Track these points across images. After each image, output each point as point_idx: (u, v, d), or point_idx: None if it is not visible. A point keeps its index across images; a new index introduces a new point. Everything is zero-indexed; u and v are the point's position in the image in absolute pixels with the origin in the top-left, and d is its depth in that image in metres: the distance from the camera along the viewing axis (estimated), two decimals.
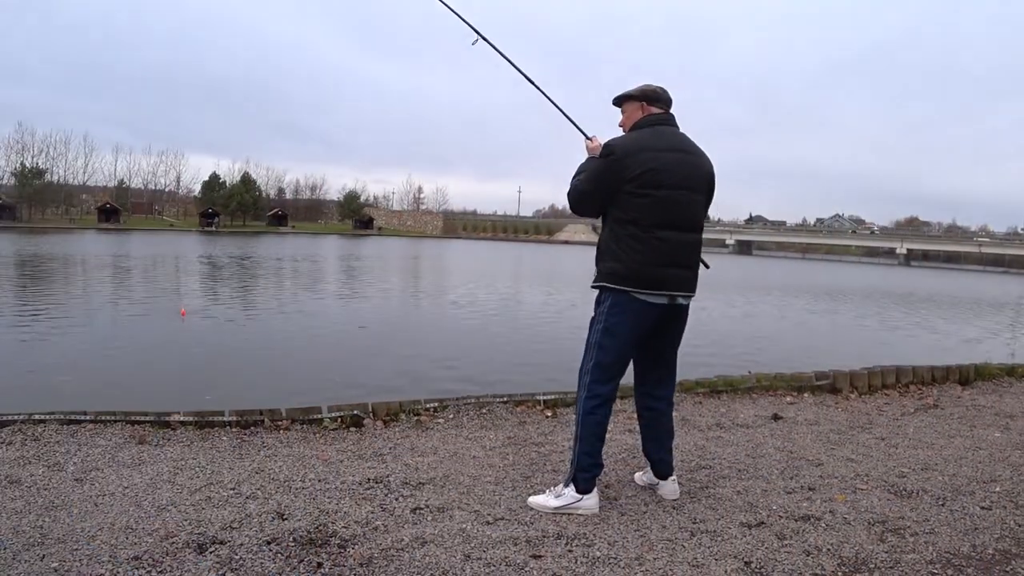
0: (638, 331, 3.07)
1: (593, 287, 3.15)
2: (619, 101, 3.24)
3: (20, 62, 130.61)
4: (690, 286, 3.12)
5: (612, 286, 3.03)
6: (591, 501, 3.06)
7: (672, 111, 3.20)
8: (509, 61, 3.53)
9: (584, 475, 3.04)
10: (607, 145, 3.07)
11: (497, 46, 3.51)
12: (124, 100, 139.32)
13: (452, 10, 3.61)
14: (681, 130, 3.17)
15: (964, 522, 3.05)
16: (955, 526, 3.01)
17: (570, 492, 3.05)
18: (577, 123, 3.35)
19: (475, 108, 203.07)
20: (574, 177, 3.19)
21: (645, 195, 2.98)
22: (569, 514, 3.02)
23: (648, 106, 3.15)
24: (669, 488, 3.28)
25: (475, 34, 3.53)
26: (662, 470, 3.29)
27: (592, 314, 3.16)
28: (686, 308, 3.17)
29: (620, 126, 3.24)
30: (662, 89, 3.18)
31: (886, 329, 17.36)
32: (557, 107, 3.44)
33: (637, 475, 3.49)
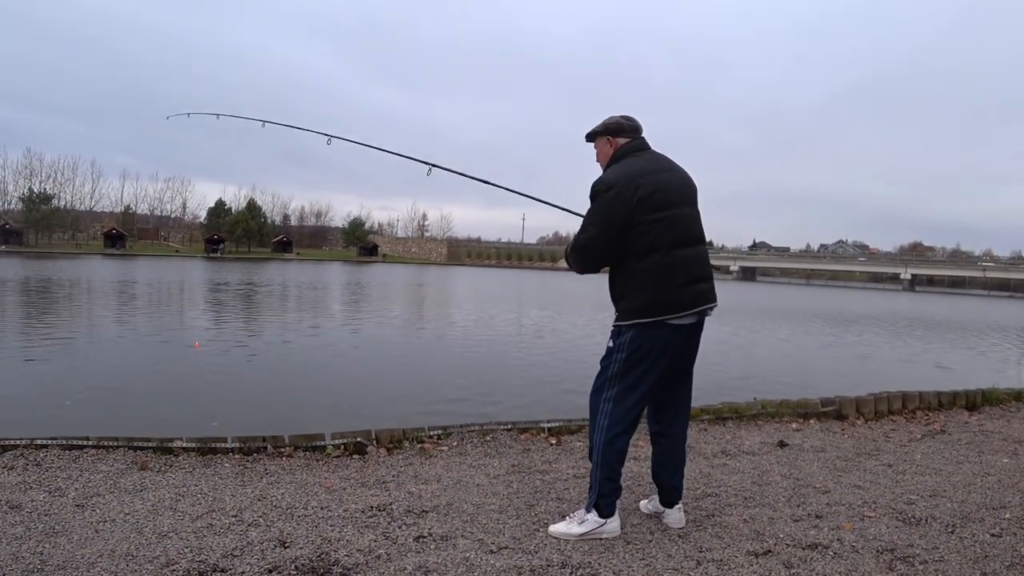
0: (666, 357, 3.01)
1: (624, 326, 3.01)
2: (590, 138, 3.26)
3: (30, 88, 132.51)
4: (713, 296, 3.12)
5: (646, 320, 2.95)
6: (614, 524, 3.06)
7: (644, 136, 3.19)
8: (470, 176, 4.17)
9: (606, 500, 3.03)
10: (601, 182, 3.04)
11: (453, 168, 4.22)
12: (131, 126, 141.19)
13: (402, 155, 4.35)
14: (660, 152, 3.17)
15: (974, 549, 3.01)
16: (965, 554, 2.96)
17: (593, 517, 3.03)
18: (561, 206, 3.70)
19: (481, 135, 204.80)
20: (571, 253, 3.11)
21: (656, 220, 2.95)
22: (593, 539, 2.99)
23: (614, 139, 3.15)
24: (675, 516, 3.24)
25: (427, 166, 4.23)
26: (672, 497, 3.25)
27: (610, 344, 3.05)
28: (704, 321, 3.14)
29: (598, 162, 3.25)
30: (625, 118, 3.18)
31: (891, 355, 17.25)
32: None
33: (642, 503, 3.45)
